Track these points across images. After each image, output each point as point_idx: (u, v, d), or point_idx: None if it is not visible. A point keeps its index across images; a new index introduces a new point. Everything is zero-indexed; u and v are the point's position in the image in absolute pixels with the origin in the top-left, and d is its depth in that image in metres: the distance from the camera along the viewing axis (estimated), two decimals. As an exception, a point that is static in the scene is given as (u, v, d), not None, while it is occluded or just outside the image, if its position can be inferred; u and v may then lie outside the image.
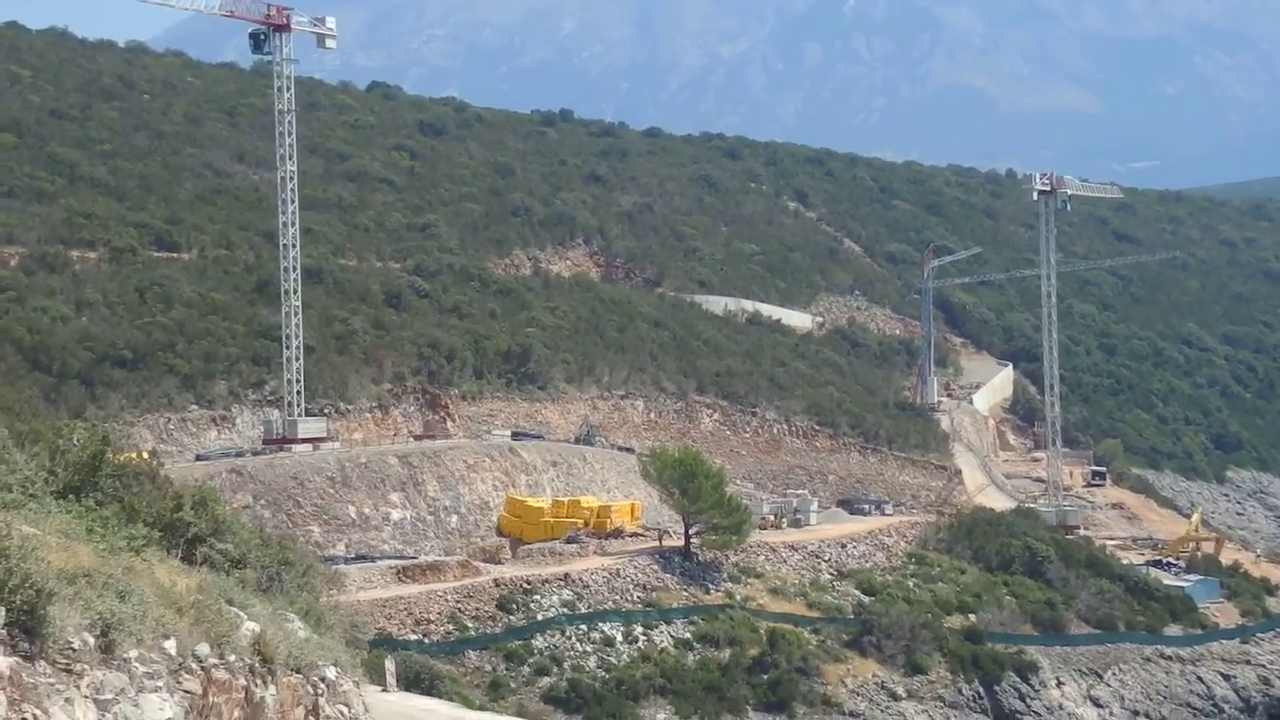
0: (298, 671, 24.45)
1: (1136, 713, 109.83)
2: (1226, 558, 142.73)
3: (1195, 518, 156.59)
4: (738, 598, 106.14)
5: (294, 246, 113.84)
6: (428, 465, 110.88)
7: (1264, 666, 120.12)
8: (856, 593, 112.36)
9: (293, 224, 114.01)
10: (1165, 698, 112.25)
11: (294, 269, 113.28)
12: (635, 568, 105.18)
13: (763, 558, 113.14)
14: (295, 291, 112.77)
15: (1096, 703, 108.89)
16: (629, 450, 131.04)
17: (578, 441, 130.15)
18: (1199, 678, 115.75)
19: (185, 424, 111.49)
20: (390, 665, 54.31)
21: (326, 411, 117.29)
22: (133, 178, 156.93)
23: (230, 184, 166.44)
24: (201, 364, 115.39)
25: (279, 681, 23.57)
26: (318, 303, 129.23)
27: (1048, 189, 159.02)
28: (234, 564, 32.00)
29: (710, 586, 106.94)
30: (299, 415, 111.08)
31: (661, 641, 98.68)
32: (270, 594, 30.47)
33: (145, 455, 56.02)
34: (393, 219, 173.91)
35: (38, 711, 15.90)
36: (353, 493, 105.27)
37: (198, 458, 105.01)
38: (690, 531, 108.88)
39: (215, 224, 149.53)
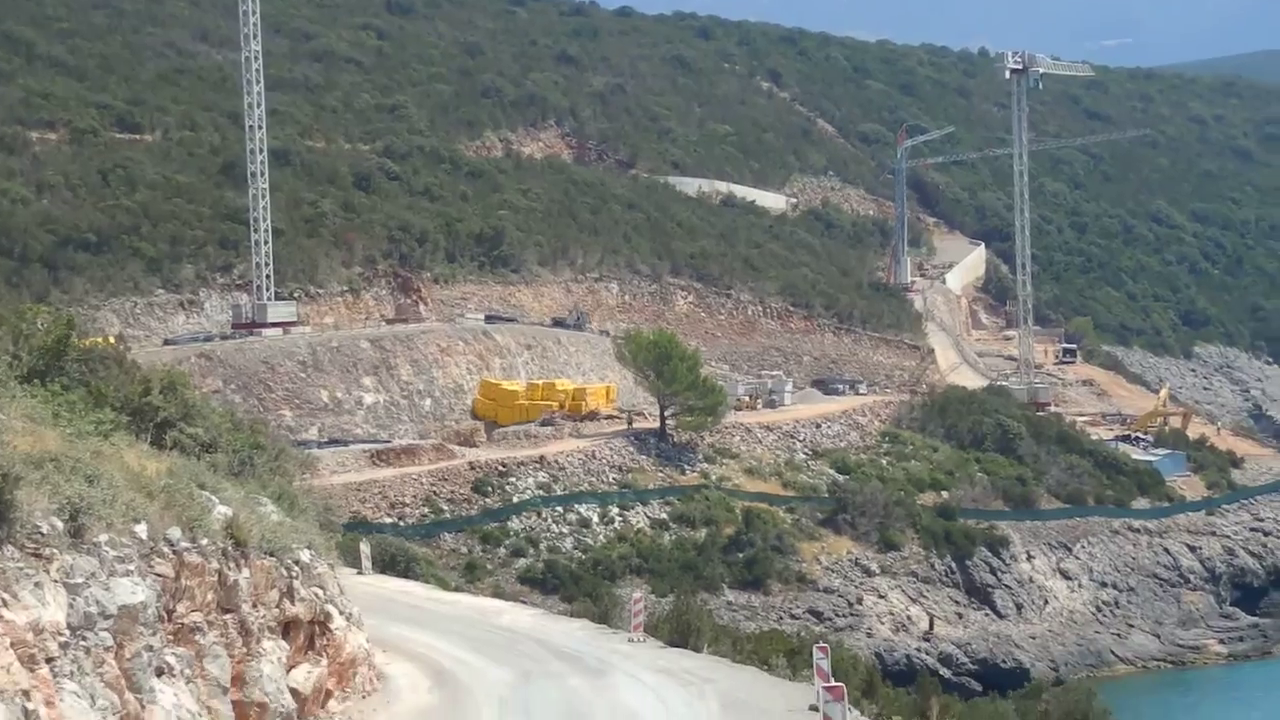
0: (271, 555, 24.27)
1: (1104, 584, 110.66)
2: (1193, 432, 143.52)
3: (1163, 393, 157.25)
4: (713, 478, 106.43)
5: (260, 128, 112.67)
6: (400, 349, 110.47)
7: (1229, 538, 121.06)
8: (831, 471, 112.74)
9: (258, 105, 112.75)
10: (1133, 569, 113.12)
11: (260, 151, 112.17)
12: (611, 450, 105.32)
13: (738, 438, 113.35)
14: (262, 174, 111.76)
15: (1066, 575, 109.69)
16: (604, 333, 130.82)
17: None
18: (1165, 549, 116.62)
19: (152, 308, 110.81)
20: (365, 548, 54.26)
21: (296, 295, 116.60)
22: (92, 57, 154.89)
23: (193, 64, 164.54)
24: (167, 247, 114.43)
25: (253, 565, 23.39)
26: (285, 185, 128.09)
27: (1020, 68, 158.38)
28: (205, 448, 31.76)
29: (686, 467, 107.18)
30: (268, 299, 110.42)
31: (637, 522, 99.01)
32: (242, 478, 30.24)
33: (112, 340, 55.63)
34: (360, 100, 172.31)
35: (7, 596, 15.66)
36: (325, 377, 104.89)
37: (165, 342, 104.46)
38: (665, 413, 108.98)
39: (179, 105, 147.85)
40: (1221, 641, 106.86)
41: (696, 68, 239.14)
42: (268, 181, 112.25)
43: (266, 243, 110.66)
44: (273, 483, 31.85)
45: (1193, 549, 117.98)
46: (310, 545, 26.83)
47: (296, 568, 25.22)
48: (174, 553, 21.19)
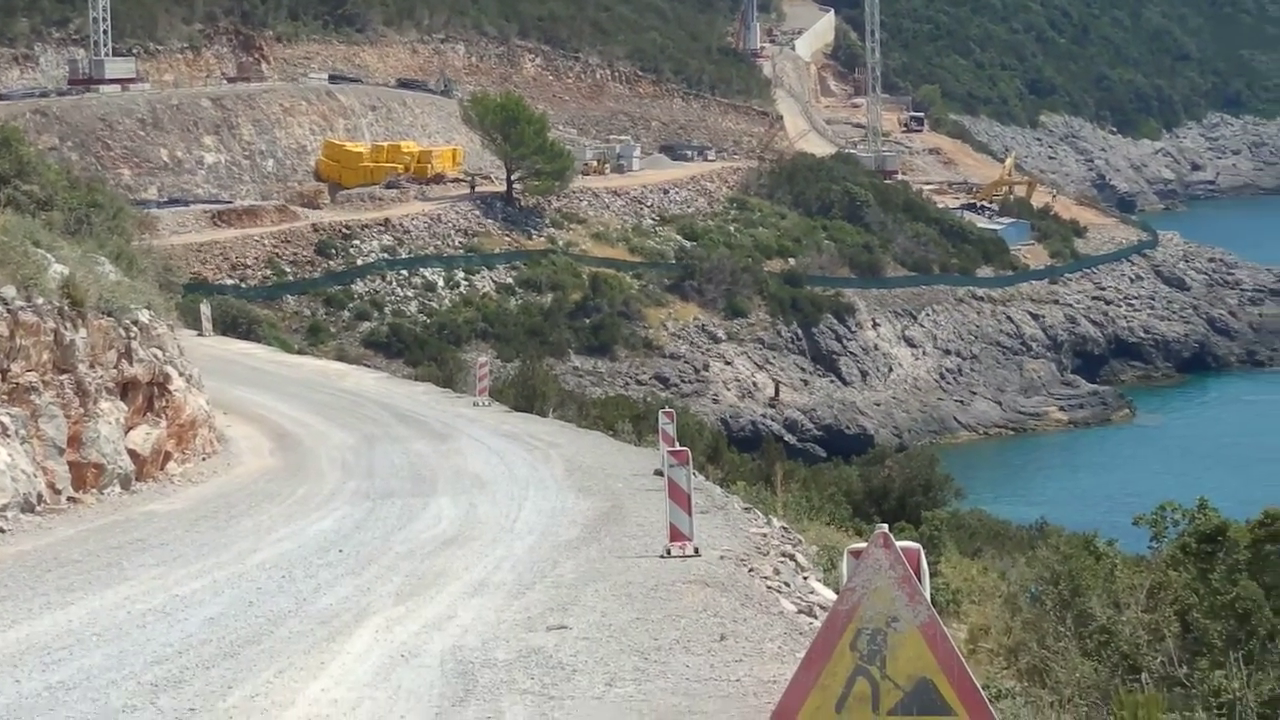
0: (109, 315, 23.74)
1: (948, 352, 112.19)
2: (1038, 201, 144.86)
3: (1009, 162, 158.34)
4: (560, 243, 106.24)
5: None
6: (242, 108, 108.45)
7: (1071, 306, 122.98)
8: (678, 238, 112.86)
9: None
10: (976, 337, 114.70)
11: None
12: (457, 213, 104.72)
13: (585, 203, 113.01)
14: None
15: (910, 343, 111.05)
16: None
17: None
18: (1009, 318, 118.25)
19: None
20: (206, 310, 53.65)
21: (135, 52, 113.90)
22: None
23: None
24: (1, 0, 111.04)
25: (90, 325, 22.87)
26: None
27: None
28: (40, 205, 31.01)
29: (533, 232, 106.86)
30: (106, 55, 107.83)
31: (483, 286, 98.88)
32: (79, 237, 29.53)
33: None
34: None
35: None
36: (164, 135, 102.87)
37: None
38: (512, 177, 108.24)
39: None
40: (1062, 409, 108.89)
41: None
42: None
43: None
44: (110, 242, 31.13)
45: (1035, 317, 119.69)
46: (149, 306, 26.27)
47: (135, 328, 24.69)
48: (8, 311, 20.62)
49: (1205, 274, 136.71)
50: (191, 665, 13.28)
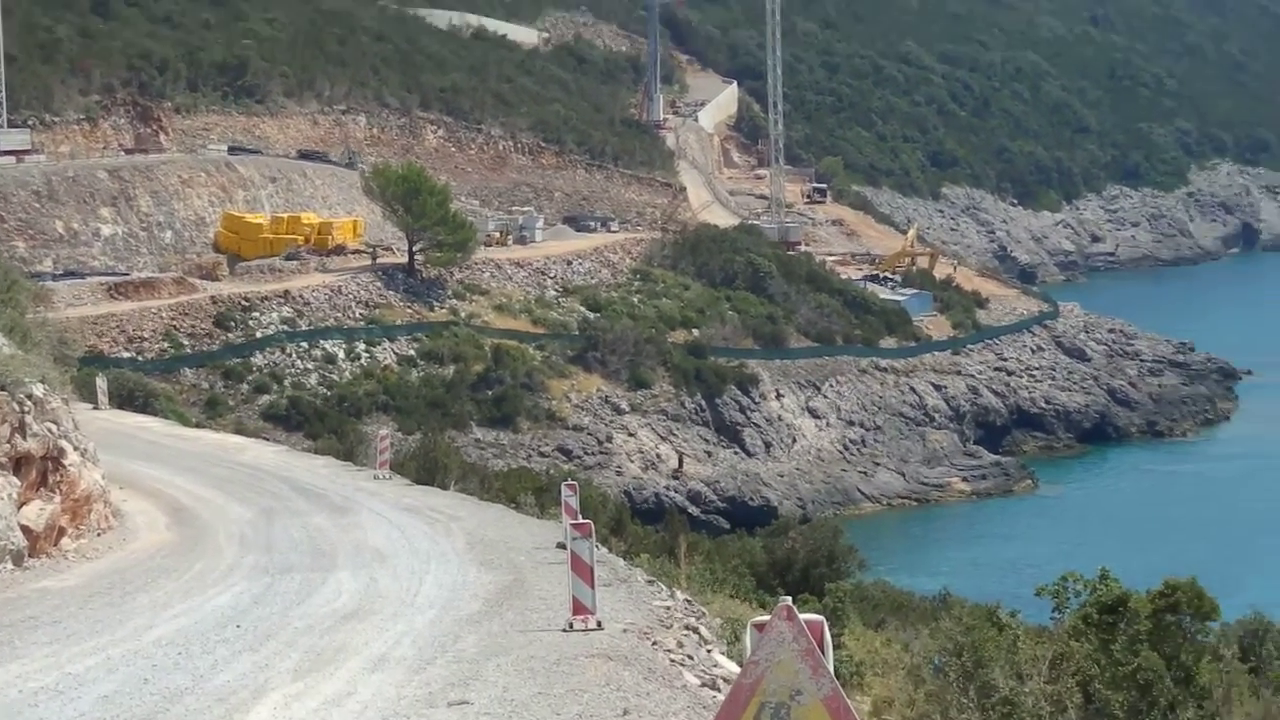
0: (2, 389, 23.38)
1: (852, 423, 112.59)
2: (940, 272, 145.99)
3: (911, 233, 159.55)
4: (462, 314, 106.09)
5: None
6: (140, 180, 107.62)
7: (973, 377, 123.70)
8: (582, 309, 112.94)
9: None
10: (880, 408, 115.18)
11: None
12: (358, 285, 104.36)
13: (488, 274, 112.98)
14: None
15: (814, 414, 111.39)
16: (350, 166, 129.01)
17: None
18: (912, 388, 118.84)
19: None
20: (102, 383, 53.09)
21: (30, 123, 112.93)
22: None
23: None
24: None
25: (-20, 398, 22.48)
26: (19, 8, 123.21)
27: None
28: (-69, 277, 30.54)
29: (435, 303, 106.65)
30: (0, 127, 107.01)
31: (384, 358, 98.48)
32: (-29, 309, 29.04)
33: None
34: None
35: None
36: (60, 207, 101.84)
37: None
38: (414, 249, 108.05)
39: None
40: (965, 479, 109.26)
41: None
42: (0, 5, 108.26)
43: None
44: (4, 315, 30.65)
45: (938, 388, 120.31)
46: (44, 379, 25.88)
47: (29, 402, 24.31)
48: (-107, 385, 20.24)
49: (1105, 345, 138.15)
50: (82, 746, 12.99)
